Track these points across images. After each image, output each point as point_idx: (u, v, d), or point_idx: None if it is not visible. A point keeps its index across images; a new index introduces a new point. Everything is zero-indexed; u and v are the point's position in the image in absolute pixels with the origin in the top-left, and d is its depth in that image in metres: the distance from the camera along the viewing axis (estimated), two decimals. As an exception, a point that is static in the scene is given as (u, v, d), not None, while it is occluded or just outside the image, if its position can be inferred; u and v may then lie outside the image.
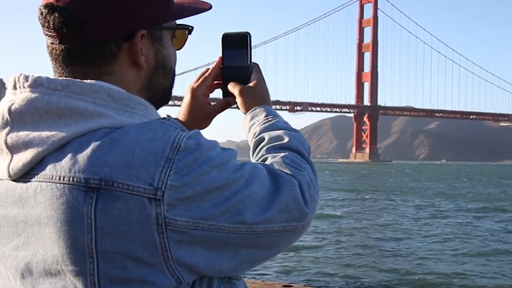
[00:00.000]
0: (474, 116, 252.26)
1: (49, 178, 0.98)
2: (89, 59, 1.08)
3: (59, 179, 0.96)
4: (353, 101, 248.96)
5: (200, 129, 1.38)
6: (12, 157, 1.02)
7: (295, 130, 1.31)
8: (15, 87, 1.05)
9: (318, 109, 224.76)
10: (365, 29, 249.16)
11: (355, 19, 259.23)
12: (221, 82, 1.43)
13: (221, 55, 1.41)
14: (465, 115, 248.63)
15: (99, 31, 1.06)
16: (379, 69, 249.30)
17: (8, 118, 1.02)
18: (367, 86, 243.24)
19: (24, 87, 1.03)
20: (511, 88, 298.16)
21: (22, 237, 1.01)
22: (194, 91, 1.42)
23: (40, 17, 1.08)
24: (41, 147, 0.99)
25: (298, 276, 11.44)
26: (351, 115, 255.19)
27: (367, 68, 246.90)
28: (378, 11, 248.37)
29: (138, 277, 0.96)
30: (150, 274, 0.96)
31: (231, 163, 1.04)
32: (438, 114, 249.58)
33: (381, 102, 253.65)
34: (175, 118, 1.38)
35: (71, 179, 0.95)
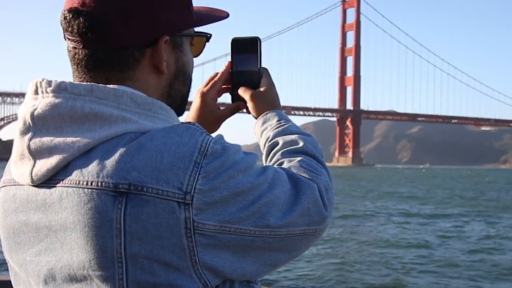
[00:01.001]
0: (455, 121, 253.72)
1: (76, 183, 0.97)
2: (112, 64, 1.08)
3: (87, 184, 0.96)
4: (336, 105, 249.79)
5: (210, 133, 1.39)
6: (35, 162, 1.01)
7: (307, 134, 1.32)
8: (36, 92, 1.04)
9: (301, 113, 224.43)
10: (348, 33, 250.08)
11: (338, 24, 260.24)
12: (230, 86, 1.43)
13: (230, 60, 1.42)
14: (447, 119, 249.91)
15: (123, 36, 1.06)
16: (361, 73, 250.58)
17: (31, 123, 1.01)
18: (350, 90, 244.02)
19: (47, 92, 1.02)
20: (492, 93, 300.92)
21: (45, 243, 1.01)
22: (203, 96, 1.42)
23: (64, 22, 1.07)
24: (66, 152, 0.99)
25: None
26: (334, 119, 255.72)
27: (350, 72, 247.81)
28: (361, 15, 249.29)
29: (166, 282, 0.96)
30: (178, 278, 0.97)
31: (255, 167, 1.05)
32: (420, 119, 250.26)
33: (363, 106, 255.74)
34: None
35: (99, 184, 0.96)
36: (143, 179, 0.95)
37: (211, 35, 1.24)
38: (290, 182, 1.10)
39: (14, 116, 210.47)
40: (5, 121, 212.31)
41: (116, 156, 0.97)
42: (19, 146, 1.03)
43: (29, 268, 1.04)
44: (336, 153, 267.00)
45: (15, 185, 1.07)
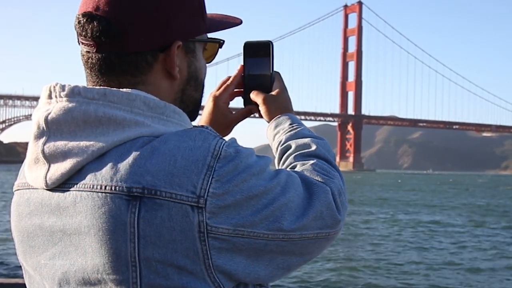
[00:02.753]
0: (457, 126, 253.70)
1: (90, 187, 0.98)
2: (126, 68, 1.08)
3: (101, 188, 0.97)
4: (337, 110, 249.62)
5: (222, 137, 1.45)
6: (49, 166, 1.02)
7: (320, 138, 1.32)
8: (50, 97, 1.05)
9: (302, 117, 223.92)
10: (349, 38, 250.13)
11: (340, 28, 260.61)
12: (242, 90, 1.43)
13: (242, 63, 1.42)
14: (448, 125, 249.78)
15: (137, 41, 1.06)
16: (363, 78, 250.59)
17: (45, 128, 1.02)
18: (351, 95, 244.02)
19: (60, 97, 1.03)
20: (493, 99, 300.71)
21: (59, 246, 1.02)
22: (216, 99, 1.42)
23: (78, 26, 1.08)
24: (81, 156, 0.99)
25: None
26: (335, 124, 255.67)
27: (351, 77, 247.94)
28: (363, 20, 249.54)
29: (180, 285, 0.97)
30: (191, 282, 0.97)
31: (268, 170, 1.06)
32: (421, 124, 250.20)
33: (365, 111, 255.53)
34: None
35: (113, 188, 0.96)
36: (157, 183, 0.95)
37: (223, 41, 1.25)
38: (303, 185, 1.10)
39: (15, 119, 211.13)
40: (7, 124, 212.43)
41: (130, 160, 0.97)
42: (34, 150, 1.04)
43: (43, 272, 1.05)
44: (337, 158, 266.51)
45: (29, 188, 1.08)
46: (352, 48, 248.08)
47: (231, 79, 1.43)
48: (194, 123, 1.23)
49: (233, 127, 1.46)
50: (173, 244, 0.95)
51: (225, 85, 1.43)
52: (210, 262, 0.97)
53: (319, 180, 1.14)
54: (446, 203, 40.24)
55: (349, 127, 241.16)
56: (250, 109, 1.43)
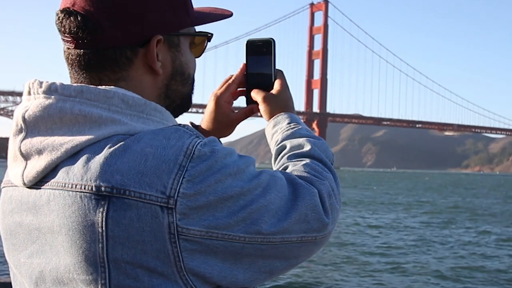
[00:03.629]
0: (420, 125, 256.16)
1: (62, 185, 0.97)
2: (105, 64, 1.07)
3: (71, 186, 0.96)
4: (302, 108, 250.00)
5: (224, 137, 1.43)
6: (26, 164, 1.01)
7: (318, 138, 1.29)
8: (29, 93, 1.04)
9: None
10: (315, 36, 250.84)
11: (306, 26, 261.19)
12: (244, 89, 1.41)
13: (245, 62, 1.40)
14: (411, 123, 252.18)
15: (114, 36, 1.05)
16: (328, 77, 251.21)
17: (22, 125, 1.01)
18: (316, 93, 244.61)
19: (38, 93, 1.03)
20: (455, 99, 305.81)
21: (36, 245, 1.01)
22: (217, 98, 1.40)
23: (57, 22, 1.07)
24: (55, 154, 0.98)
25: None
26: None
27: (316, 75, 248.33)
28: (329, 19, 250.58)
29: (151, 287, 0.95)
30: (162, 284, 0.95)
31: (248, 171, 1.02)
32: (385, 122, 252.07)
33: (330, 109, 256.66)
34: (197, 125, 1.43)
35: (83, 187, 0.95)
36: (126, 182, 0.93)
37: (211, 34, 1.22)
38: (289, 187, 1.07)
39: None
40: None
41: (101, 158, 0.95)
42: (12, 148, 1.03)
43: (22, 270, 1.05)
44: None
45: (11, 186, 1.08)
46: (318, 46, 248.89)
47: (233, 77, 1.41)
48: (198, 121, 1.20)
49: (235, 126, 1.43)
50: (142, 245, 0.93)
51: (226, 84, 1.41)
52: (182, 264, 0.95)
53: (307, 181, 1.11)
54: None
55: (314, 125, 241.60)
56: (252, 108, 1.40)
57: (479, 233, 21.23)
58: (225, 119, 1.40)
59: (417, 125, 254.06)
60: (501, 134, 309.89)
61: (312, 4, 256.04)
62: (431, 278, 12.48)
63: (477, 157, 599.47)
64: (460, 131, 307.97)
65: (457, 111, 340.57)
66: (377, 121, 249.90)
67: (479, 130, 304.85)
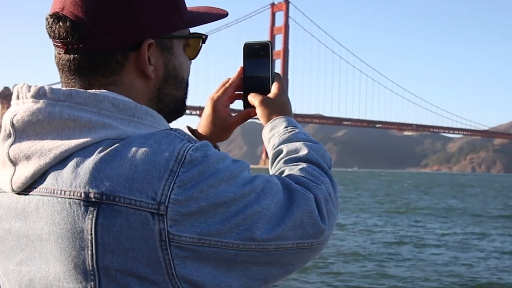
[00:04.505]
0: (380, 125, 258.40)
1: (51, 192, 0.95)
2: (95, 69, 1.05)
3: (60, 193, 0.94)
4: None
5: (221, 141, 1.41)
6: (15, 170, 0.99)
7: (315, 141, 1.26)
8: (18, 97, 1.03)
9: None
10: (276, 36, 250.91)
11: (267, 27, 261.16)
12: (242, 92, 1.39)
13: (242, 65, 1.38)
14: (371, 124, 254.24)
15: (104, 40, 1.03)
16: (289, 77, 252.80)
17: (11, 130, 0.99)
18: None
19: (26, 98, 1.01)
20: (414, 99, 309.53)
21: (25, 252, 0.99)
22: (214, 102, 1.38)
23: (47, 27, 1.06)
24: (43, 160, 0.96)
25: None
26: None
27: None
28: (289, 19, 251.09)
29: None
30: None
31: (241, 176, 1.00)
32: (346, 122, 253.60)
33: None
34: (194, 129, 1.41)
35: (72, 193, 0.93)
36: (116, 189, 0.91)
37: (206, 36, 1.20)
38: (285, 192, 1.05)
39: None
40: None
41: (90, 164, 0.93)
42: (1, 153, 1.01)
43: (11, 278, 1.02)
44: (263, 156, 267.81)
45: (0, 192, 1.05)
46: (278, 46, 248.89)
47: (230, 81, 1.39)
48: (194, 125, 1.19)
49: (233, 130, 1.41)
50: (133, 252, 0.91)
51: (224, 87, 1.39)
52: (173, 272, 0.92)
53: (303, 186, 1.08)
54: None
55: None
56: (249, 112, 1.38)
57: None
58: (222, 123, 1.38)
59: (377, 125, 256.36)
60: (458, 134, 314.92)
61: (273, 4, 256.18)
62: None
63: (436, 156, 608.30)
64: (419, 131, 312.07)
65: (416, 111, 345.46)
66: (338, 121, 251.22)
67: (437, 130, 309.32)
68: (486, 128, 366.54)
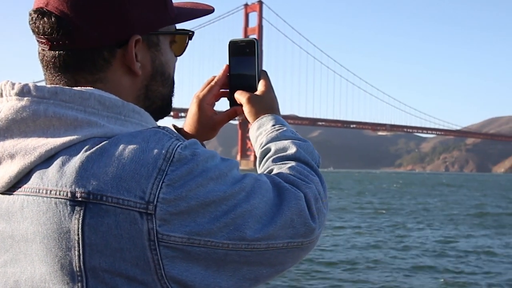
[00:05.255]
0: (354, 125, 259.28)
1: (36, 191, 0.93)
2: (81, 66, 1.03)
3: (46, 192, 0.92)
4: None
5: (207, 139, 1.39)
6: None
7: (303, 139, 1.26)
8: (1, 95, 1.01)
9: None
10: (250, 37, 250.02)
11: (241, 27, 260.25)
12: (227, 90, 1.38)
13: (227, 63, 1.37)
14: (345, 124, 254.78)
15: (90, 37, 1.01)
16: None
17: None
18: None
19: (10, 95, 0.99)
20: (388, 99, 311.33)
21: (10, 253, 0.96)
22: (200, 101, 1.37)
23: (30, 23, 1.04)
24: (28, 159, 0.94)
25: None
26: (236, 122, 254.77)
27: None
28: (263, 20, 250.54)
29: None
30: None
31: (231, 174, 0.99)
32: (320, 123, 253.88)
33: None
34: (180, 128, 1.39)
35: (58, 192, 0.91)
36: (103, 188, 0.89)
37: (193, 32, 1.19)
38: (274, 191, 1.04)
39: None
40: None
41: (77, 162, 0.92)
42: None
43: None
44: (238, 156, 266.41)
45: None
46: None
47: (215, 79, 1.37)
48: (180, 124, 1.18)
49: (219, 129, 1.41)
50: (121, 252, 0.89)
51: (209, 85, 1.37)
52: (162, 272, 0.91)
53: (293, 185, 1.08)
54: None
55: (250, 126, 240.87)
56: (235, 110, 1.37)
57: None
58: (208, 121, 1.37)
59: (352, 126, 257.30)
60: (431, 133, 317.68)
61: (246, 5, 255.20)
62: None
63: (410, 156, 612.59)
64: (393, 131, 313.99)
65: (390, 112, 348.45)
66: (313, 122, 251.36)
67: (411, 130, 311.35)
68: (458, 128, 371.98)
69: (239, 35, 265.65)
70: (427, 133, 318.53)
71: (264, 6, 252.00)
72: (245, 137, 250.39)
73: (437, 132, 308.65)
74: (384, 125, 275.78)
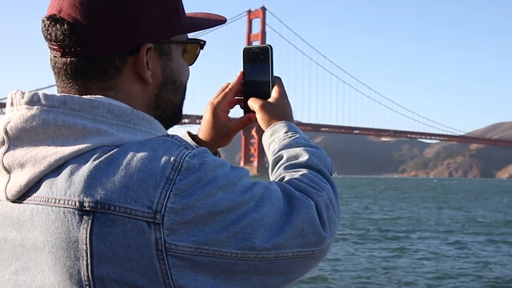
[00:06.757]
0: (357, 131, 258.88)
1: (45, 200, 0.94)
2: (92, 73, 1.04)
3: (55, 201, 0.92)
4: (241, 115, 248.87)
5: (221, 146, 1.40)
6: (9, 178, 0.98)
7: (316, 147, 1.25)
8: (12, 104, 1.02)
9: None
10: (253, 43, 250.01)
11: (244, 34, 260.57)
12: (242, 97, 1.38)
13: (242, 70, 1.37)
14: (349, 130, 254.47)
15: (102, 44, 1.02)
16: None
17: (4, 137, 0.98)
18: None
19: (20, 104, 1.00)
20: (391, 105, 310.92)
21: (21, 261, 0.97)
22: (214, 108, 1.37)
23: (43, 29, 1.05)
24: (37, 168, 0.95)
25: None
26: (253, 128, 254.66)
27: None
28: (266, 26, 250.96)
29: None
30: None
31: (240, 183, 0.98)
32: (323, 129, 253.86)
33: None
34: (195, 135, 1.40)
35: (66, 202, 0.91)
36: (111, 197, 0.90)
37: (204, 42, 1.20)
38: (285, 199, 1.03)
39: None
40: None
41: (85, 172, 0.92)
42: None
43: (7, 287, 1.00)
44: (242, 162, 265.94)
45: None
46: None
47: (230, 86, 1.38)
48: (195, 131, 1.20)
49: (233, 136, 1.40)
50: (129, 262, 0.90)
51: (223, 92, 1.38)
52: (171, 282, 0.91)
53: (304, 193, 1.07)
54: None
55: (253, 132, 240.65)
56: (250, 117, 1.36)
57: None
58: (223, 128, 1.37)
59: (355, 131, 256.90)
60: (435, 139, 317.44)
61: (249, 11, 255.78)
62: None
63: (413, 162, 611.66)
64: (396, 137, 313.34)
65: (393, 117, 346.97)
66: (316, 128, 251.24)
67: (414, 136, 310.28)
68: (462, 133, 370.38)
69: (242, 42, 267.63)
70: (430, 138, 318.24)
71: (267, 12, 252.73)
72: (248, 144, 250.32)
73: (441, 138, 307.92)
74: (388, 130, 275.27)
